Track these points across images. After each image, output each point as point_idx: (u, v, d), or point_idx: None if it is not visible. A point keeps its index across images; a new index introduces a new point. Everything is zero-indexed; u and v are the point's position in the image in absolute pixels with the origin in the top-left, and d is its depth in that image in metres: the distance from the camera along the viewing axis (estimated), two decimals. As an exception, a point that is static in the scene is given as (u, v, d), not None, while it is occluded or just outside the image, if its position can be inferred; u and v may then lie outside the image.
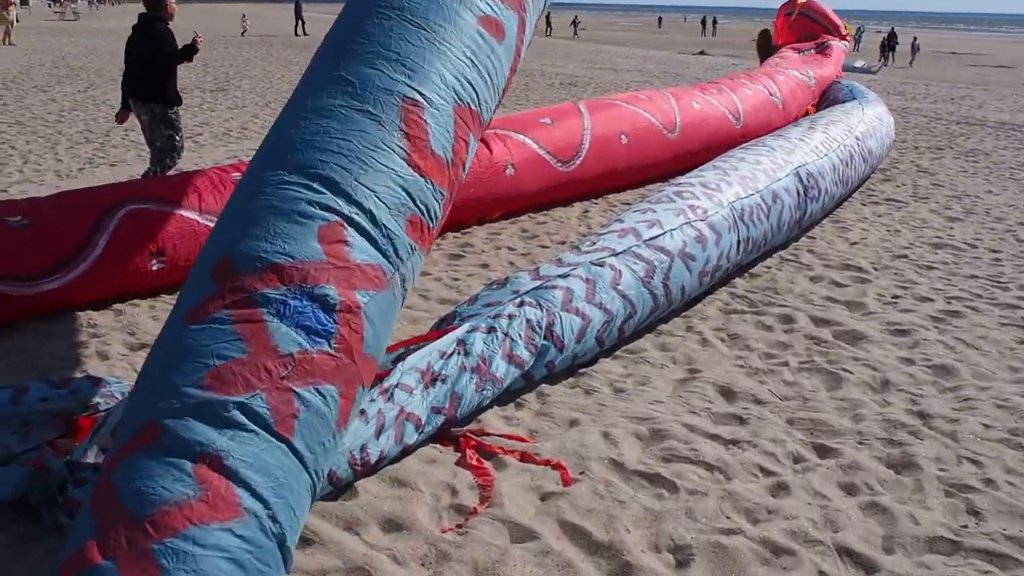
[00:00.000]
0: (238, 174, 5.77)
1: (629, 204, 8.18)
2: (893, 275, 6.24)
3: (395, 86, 3.20)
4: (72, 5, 63.37)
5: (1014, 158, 11.85)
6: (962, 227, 7.81)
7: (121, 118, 6.96)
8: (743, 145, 7.42)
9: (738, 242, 5.63)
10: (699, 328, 5.04)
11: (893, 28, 43.94)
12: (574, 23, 56.87)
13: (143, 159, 8.71)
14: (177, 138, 6.74)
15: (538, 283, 4.31)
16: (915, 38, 41.34)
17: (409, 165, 3.12)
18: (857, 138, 8.44)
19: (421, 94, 3.24)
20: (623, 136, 8.40)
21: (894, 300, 5.69)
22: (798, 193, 6.59)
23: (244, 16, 43.09)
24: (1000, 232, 7.67)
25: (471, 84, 3.48)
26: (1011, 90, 24.43)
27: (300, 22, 40.34)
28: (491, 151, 7.15)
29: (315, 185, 2.94)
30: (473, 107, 3.48)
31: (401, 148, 3.12)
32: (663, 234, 4.99)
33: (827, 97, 12.39)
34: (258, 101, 14.97)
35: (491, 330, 3.86)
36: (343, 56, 3.34)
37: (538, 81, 21.15)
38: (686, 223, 5.18)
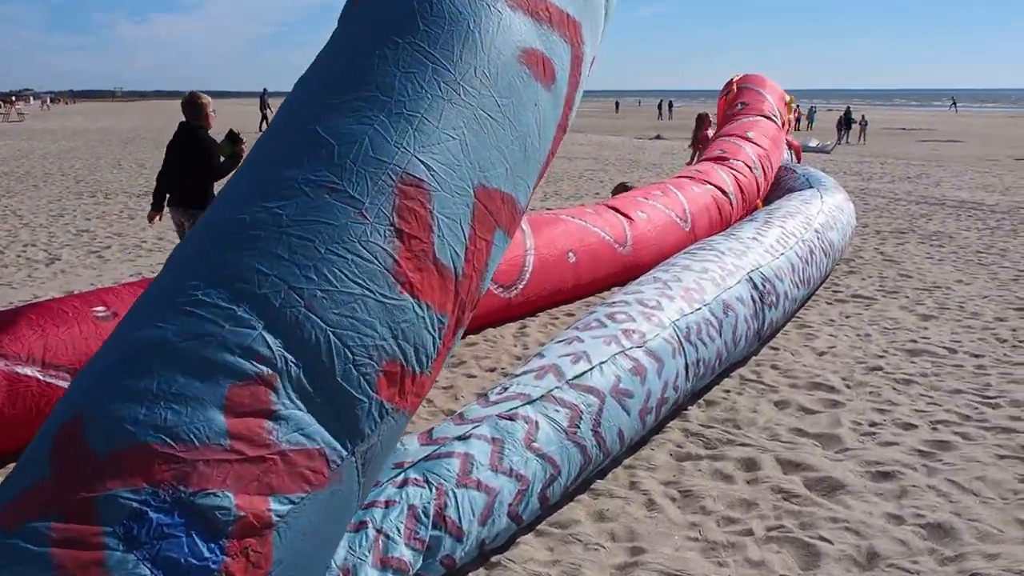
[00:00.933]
0: (102, 309, 4.84)
1: (574, 316, 7.38)
2: (868, 394, 5.43)
3: (392, 153, 2.21)
4: (16, 107, 63.25)
5: (979, 240, 11.26)
6: (937, 327, 7.06)
7: (152, 218, 7.14)
8: (689, 249, 6.64)
9: (686, 367, 4.81)
10: (645, 484, 4.16)
11: (849, 106, 44.39)
12: None
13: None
14: None
15: (428, 450, 3.42)
16: (863, 116, 41.62)
17: (397, 282, 2.12)
18: (817, 231, 7.76)
19: (428, 168, 2.24)
20: (571, 254, 7.64)
21: (872, 430, 4.86)
22: (753, 301, 5.83)
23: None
24: (978, 331, 6.94)
25: (503, 152, 2.47)
26: (964, 165, 24.24)
27: (264, 118, 39.38)
28: None
29: (240, 311, 1.93)
30: (505, 189, 2.49)
31: (388, 253, 2.11)
32: (591, 370, 4.15)
33: (781, 185, 11.78)
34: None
35: (359, 527, 2.92)
36: (322, 102, 2.34)
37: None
38: (619, 352, 4.36)
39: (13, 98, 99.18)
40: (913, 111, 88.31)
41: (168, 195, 6.88)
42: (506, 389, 4.00)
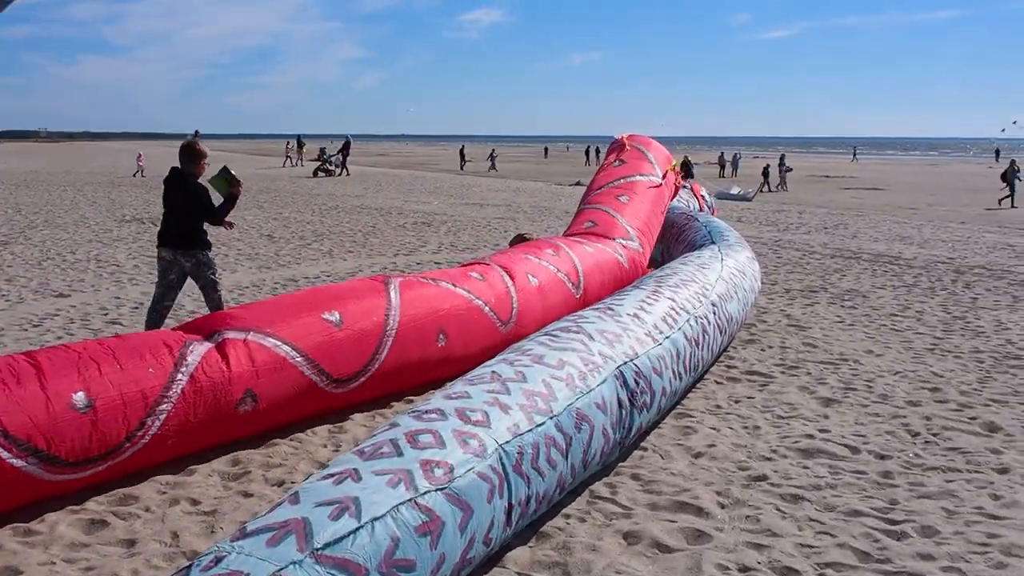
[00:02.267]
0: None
1: (411, 402, 6.17)
2: (745, 522, 4.28)
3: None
4: None
5: (893, 300, 10.37)
6: (839, 415, 6.01)
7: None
8: (550, 327, 5.43)
9: (509, 510, 3.62)
10: None
11: (783, 155, 44.21)
12: (491, 156, 56.24)
13: None
14: (216, 275, 7.24)
15: None
16: (782, 158, 41.31)
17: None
18: (714, 303, 6.69)
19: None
20: (441, 336, 6.35)
21: (742, 582, 3.71)
22: (620, 405, 4.68)
23: (140, 155, 40.21)
24: (886, 419, 5.91)
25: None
26: (884, 215, 23.79)
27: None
28: (227, 366, 5.03)
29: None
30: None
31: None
32: (356, 531, 2.91)
33: (680, 237, 10.77)
34: (35, 258, 12.67)
35: None
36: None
37: (389, 221, 19.38)
38: (407, 501, 3.15)
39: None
40: (822, 159, 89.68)
41: (160, 236, 7.08)
42: (218, 561, 2.76)
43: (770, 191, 36.12)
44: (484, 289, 6.94)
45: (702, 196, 14.36)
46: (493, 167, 52.66)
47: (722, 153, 58.18)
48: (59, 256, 13.00)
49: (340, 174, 40.60)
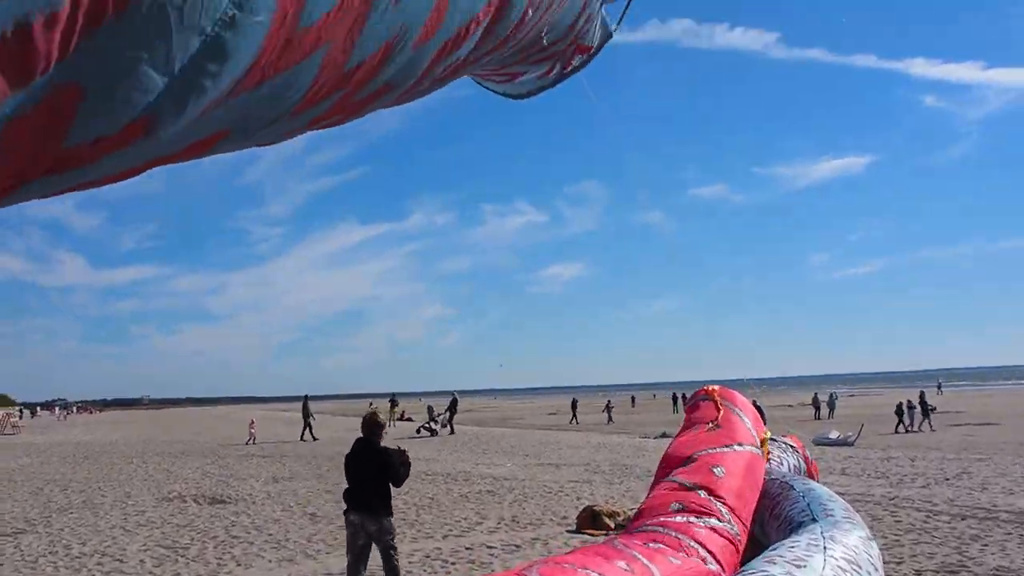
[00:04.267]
0: None
1: None
2: None
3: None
4: (12, 419, 63.47)
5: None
6: None
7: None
8: None
9: None
10: None
11: (923, 391, 41.06)
12: (608, 408, 54.69)
13: None
14: (395, 542, 7.56)
15: None
16: (922, 396, 38.09)
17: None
18: None
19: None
20: None
21: None
22: None
23: (252, 422, 39.46)
24: None
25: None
26: (1011, 458, 21.07)
27: (307, 426, 37.31)
28: None
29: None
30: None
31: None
32: None
33: (774, 511, 8.79)
34: (37, 552, 11.23)
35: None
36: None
37: (452, 490, 17.60)
38: None
39: (19, 411, 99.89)
40: (907, 393, 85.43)
41: (348, 502, 7.53)
42: None
43: (907, 431, 33.47)
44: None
45: (805, 455, 12.36)
46: (610, 419, 50.96)
47: (816, 394, 55.58)
48: (64, 550, 11.57)
49: (447, 433, 39.36)
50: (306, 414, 37.84)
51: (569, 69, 7.26)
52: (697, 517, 7.97)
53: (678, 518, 7.97)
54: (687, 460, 9.20)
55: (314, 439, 36.35)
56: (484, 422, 54.56)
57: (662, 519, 8.05)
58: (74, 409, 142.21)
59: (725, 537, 7.77)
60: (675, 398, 68.65)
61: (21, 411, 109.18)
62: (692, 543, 7.48)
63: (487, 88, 7.84)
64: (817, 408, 50.22)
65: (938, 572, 8.79)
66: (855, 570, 6.02)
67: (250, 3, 1.85)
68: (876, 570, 6.73)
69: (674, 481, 8.82)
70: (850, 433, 29.77)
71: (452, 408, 41.41)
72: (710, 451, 9.16)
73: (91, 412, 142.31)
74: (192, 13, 1.71)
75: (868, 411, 48.59)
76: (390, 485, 7.50)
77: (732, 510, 8.12)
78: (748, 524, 8.56)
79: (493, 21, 3.50)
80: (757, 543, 9.16)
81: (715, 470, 8.69)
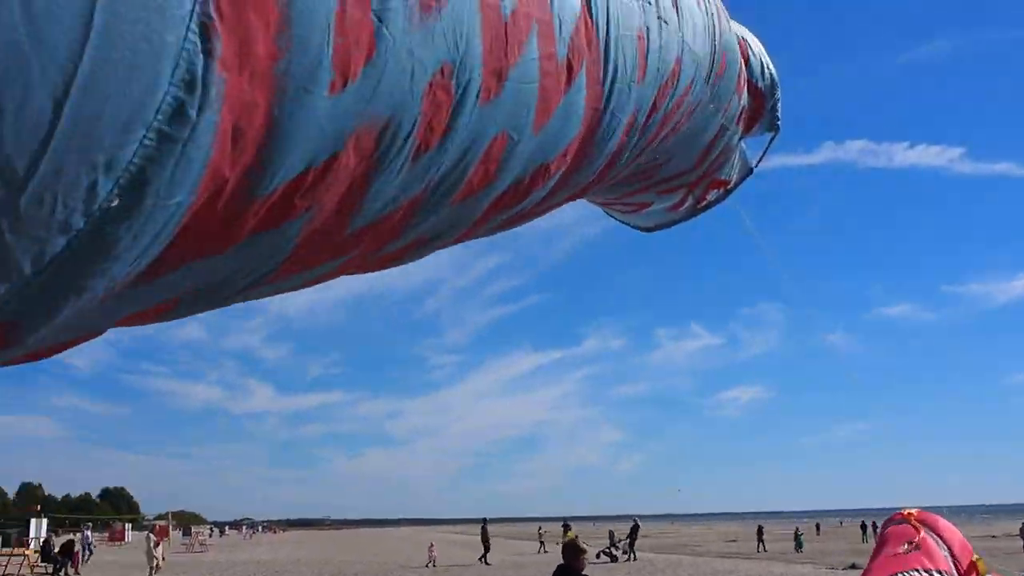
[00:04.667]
0: None
1: None
2: None
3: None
4: (200, 537, 66.32)
5: None
6: None
7: None
8: None
9: None
10: None
11: None
12: (797, 535, 51.30)
13: None
14: None
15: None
16: None
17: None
18: None
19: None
20: None
21: None
22: None
23: (432, 545, 39.54)
24: None
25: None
26: None
27: (485, 549, 37.53)
28: None
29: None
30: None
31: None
32: None
33: None
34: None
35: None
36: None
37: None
38: None
39: (209, 530, 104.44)
40: None
41: None
42: None
43: None
44: None
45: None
46: (799, 547, 48.18)
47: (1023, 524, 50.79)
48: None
49: (628, 559, 38.39)
50: (485, 538, 37.77)
51: (703, 204, 6.92)
52: None
53: None
54: None
55: (487, 563, 36.14)
56: (661, 548, 52.73)
57: None
58: (259, 528, 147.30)
59: None
60: (863, 526, 64.37)
61: (211, 530, 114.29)
62: None
63: (614, 218, 7.54)
64: None
65: None
66: None
67: (153, 187, 1.49)
68: None
69: None
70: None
71: (633, 534, 40.37)
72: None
73: (275, 531, 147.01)
74: (38, 214, 1.35)
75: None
76: None
77: None
78: None
79: (572, 169, 3.30)
80: None
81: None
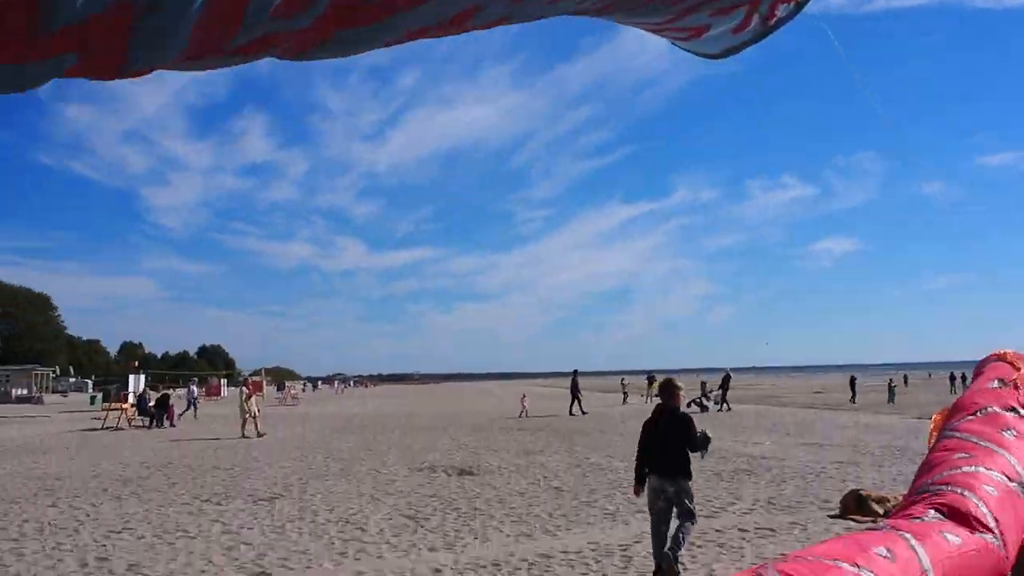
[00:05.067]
0: None
1: None
2: None
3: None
4: (292, 391, 69.23)
5: None
6: None
7: (638, 492, 8.11)
8: None
9: None
10: None
11: None
12: (891, 386, 51.08)
13: None
14: (694, 505, 7.86)
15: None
16: None
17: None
18: None
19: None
20: None
21: None
22: None
23: (524, 396, 40.76)
24: None
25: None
26: None
27: (576, 400, 38.03)
28: None
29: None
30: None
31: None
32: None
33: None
34: (289, 516, 11.60)
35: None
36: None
37: (703, 468, 16.68)
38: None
39: (303, 385, 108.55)
40: None
41: (648, 467, 7.91)
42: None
43: None
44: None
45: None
46: (892, 399, 47.69)
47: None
48: (312, 516, 11.83)
49: (721, 410, 38.48)
50: (575, 389, 38.02)
51: (773, 21, 6.10)
52: (987, 471, 6.76)
53: (964, 468, 6.79)
54: (976, 411, 7.90)
55: (583, 413, 36.51)
56: (745, 400, 52.53)
57: (943, 476, 6.90)
58: (351, 383, 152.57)
59: (1013, 500, 6.56)
60: (952, 378, 63.44)
61: (304, 385, 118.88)
62: (980, 507, 6.34)
63: (680, 48, 6.88)
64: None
65: None
66: None
67: None
68: None
69: (956, 436, 7.58)
70: None
71: (725, 385, 40.34)
72: (999, 411, 7.81)
73: (366, 386, 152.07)
74: None
75: None
76: (689, 448, 7.77)
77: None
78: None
79: None
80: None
81: (1005, 434, 7.39)
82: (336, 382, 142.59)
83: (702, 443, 7.83)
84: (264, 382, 71.58)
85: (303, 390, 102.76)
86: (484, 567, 8.64)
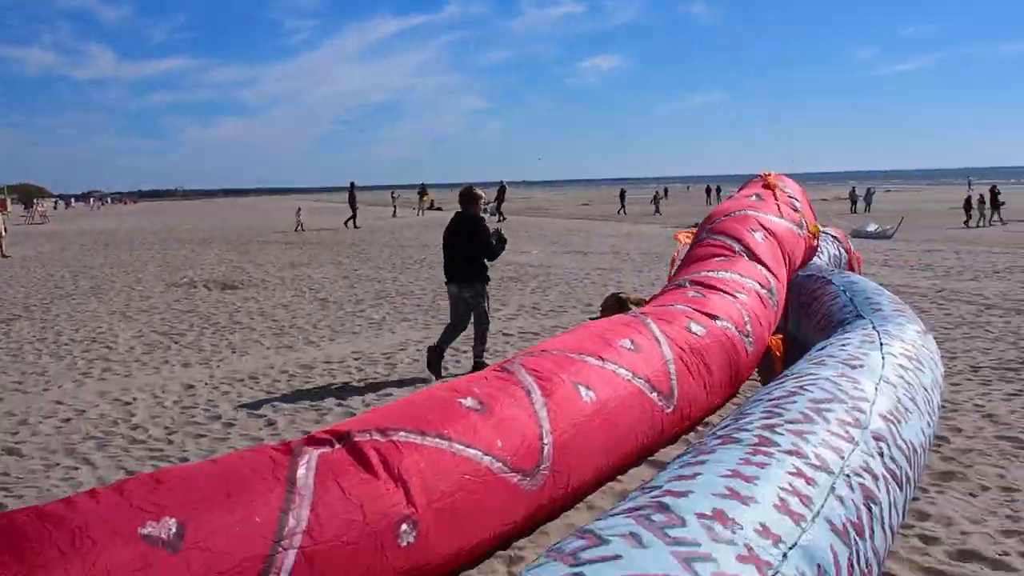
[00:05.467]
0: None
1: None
2: None
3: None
4: (40, 209, 64.40)
5: None
6: None
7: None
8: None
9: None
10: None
11: (994, 184, 38.82)
12: (656, 199, 52.87)
13: None
14: (489, 308, 8.31)
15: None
16: (994, 189, 36.13)
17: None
18: (878, 437, 3.75)
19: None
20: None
21: None
22: None
23: (299, 210, 39.34)
24: None
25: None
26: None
27: (353, 213, 37.04)
28: (376, 478, 3.59)
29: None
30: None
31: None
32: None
33: (810, 308, 7.96)
34: (28, 337, 10.72)
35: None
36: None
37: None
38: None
39: (55, 203, 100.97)
40: (946, 190, 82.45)
41: (447, 274, 8.13)
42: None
43: (980, 225, 32.33)
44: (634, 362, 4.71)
45: (847, 245, 11.30)
46: (658, 211, 49.61)
47: (853, 188, 53.86)
48: (55, 336, 11.00)
49: (498, 220, 38.77)
50: (352, 202, 37.44)
51: None
52: (728, 274, 7.15)
53: (719, 272, 7.15)
54: (727, 215, 8.26)
55: (355, 227, 36.00)
56: (516, 212, 53.62)
57: (698, 276, 7.21)
58: (108, 200, 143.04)
59: (761, 303, 7.00)
60: (708, 190, 67.37)
61: (56, 203, 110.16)
62: (725, 300, 6.69)
63: None
64: (854, 202, 48.82)
65: (997, 367, 7.91)
66: (916, 367, 5.13)
67: None
68: (936, 365, 5.84)
69: (711, 238, 7.93)
70: (888, 226, 28.60)
71: (500, 196, 40.71)
72: (752, 213, 8.22)
73: (125, 203, 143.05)
74: None
75: (905, 206, 47.07)
76: (486, 256, 8.04)
77: (773, 274, 7.41)
78: (783, 298, 7.76)
79: None
80: (793, 342, 8.35)
81: (754, 234, 7.79)
82: (92, 199, 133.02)
83: (499, 246, 8.16)
84: (8, 200, 65.90)
85: (55, 207, 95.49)
86: (241, 380, 8.32)
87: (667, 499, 2.72)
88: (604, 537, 2.47)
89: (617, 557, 2.33)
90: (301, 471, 3.46)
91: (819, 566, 2.64)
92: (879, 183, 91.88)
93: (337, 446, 3.72)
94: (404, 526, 3.54)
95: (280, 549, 3.14)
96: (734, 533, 2.53)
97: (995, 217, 34.18)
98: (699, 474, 2.96)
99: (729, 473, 2.93)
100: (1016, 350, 8.63)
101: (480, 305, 8.16)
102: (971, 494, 4.80)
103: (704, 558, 2.36)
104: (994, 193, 34.79)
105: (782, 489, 2.88)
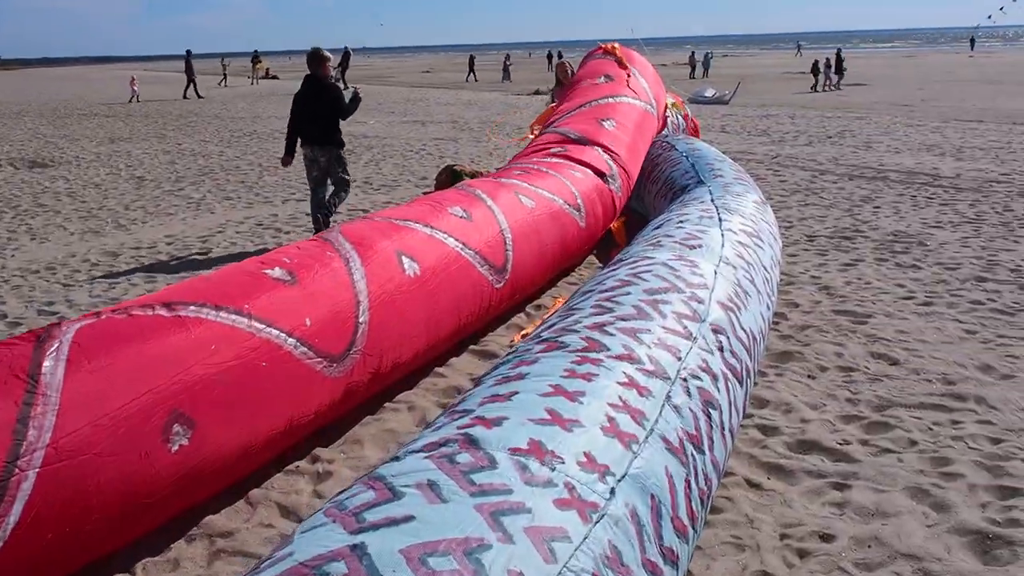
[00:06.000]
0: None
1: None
2: None
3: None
4: None
5: (966, 249, 7.24)
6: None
7: (286, 163, 8.31)
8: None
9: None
10: None
11: (840, 49, 39.16)
12: (505, 66, 51.21)
13: None
14: (349, 174, 8.36)
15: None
16: (839, 53, 36.72)
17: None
18: (717, 329, 3.38)
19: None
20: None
21: None
22: None
23: (133, 79, 35.95)
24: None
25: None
26: (888, 116, 20.37)
27: (191, 82, 34.90)
28: (149, 364, 3.07)
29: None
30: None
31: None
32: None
33: (653, 174, 7.69)
34: None
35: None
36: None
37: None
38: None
39: None
40: (777, 55, 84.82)
41: (300, 137, 7.97)
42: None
43: (827, 90, 32.72)
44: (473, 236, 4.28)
45: (686, 112, 11.01)
46: (507, 76, 48.24)
47: (692, 53, 54.06)
48: None
49: (344, 88, 36.90)
50: (188, 71, 35.23)
51: None
52: (560, 161, 6.74)
53: (552, 160, 6.72)
54: (574, 110, 7.81)
55: (199, 96, 34.00)
56: (356, 80, 51.49)
57: (534, 161, 6.80)
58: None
59: (596, 184, 6.64)
60: (549, 56, 66.48)
61: None
62: (555, 178, 6.31)
63: None
64: (693, 67, 49.09)
65: (833, 237, 7.84)
66: (756, 244, 4.84)
67: None
68: (775, 239, 5.61)
69: (556, 132, 7.48)
70: (726, 91, 28.75)
71: (344, 63, 38.85)
72: (599, 102, 7.76)
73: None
74: None
75: (743, 71, 47.72)
76: (338, 117, 7.91)
77: (619, 165, 7.03)
78: (630, 191, 7.45)
79: None
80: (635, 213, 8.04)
81: (604, 123, 7.36)
82: None
83: (351, 104, 8.08)
84: None
85: None
86: (36, 271, 7.40)
87: (476, 430, 2.25)
88: (396, 489, 1.98)
89: (408, 519, 1.84)
90: (48, 363, 2.80)
91: (652, 496, 2.24)
92: (712, 49, 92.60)
93: (104, 318, 3.09)
94: (176, 427, 2.96)
95: (17, 470, 2.53)
96: (553, 471, 2.09)
97: (839, 81, 35.00)
98: (516, 392, 2.50)
99: (551, 390, 2.48)
100: (850, 217, 8.62)
101: (337, 172, 8.08)
102: (810, 376, 4.60)
103: (515, 509, 1.91)
104: (839, 58, 35.52)
105: (611, 406, 2.47)
